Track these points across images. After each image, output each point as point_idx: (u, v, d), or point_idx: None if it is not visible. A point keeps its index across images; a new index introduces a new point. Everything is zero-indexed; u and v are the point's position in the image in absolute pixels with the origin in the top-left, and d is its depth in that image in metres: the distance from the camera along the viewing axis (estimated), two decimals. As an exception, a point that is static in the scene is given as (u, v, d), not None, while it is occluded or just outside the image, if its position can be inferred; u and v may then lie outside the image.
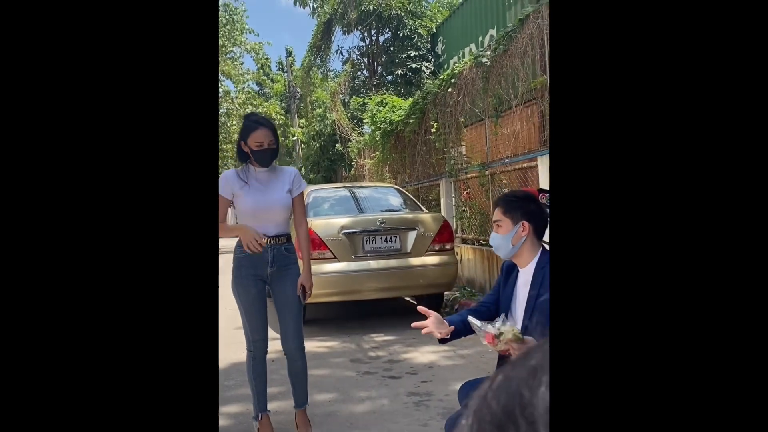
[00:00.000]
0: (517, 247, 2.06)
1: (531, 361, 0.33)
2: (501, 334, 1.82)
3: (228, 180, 2.69)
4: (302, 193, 2.79)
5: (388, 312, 5.81)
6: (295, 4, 13.29)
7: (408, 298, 6.26)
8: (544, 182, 4.45)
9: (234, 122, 16.53)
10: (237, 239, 2.71)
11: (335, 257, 4.99)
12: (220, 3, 15.41)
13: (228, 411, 3.18)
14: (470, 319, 1.98)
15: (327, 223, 5.10)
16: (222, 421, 3.01)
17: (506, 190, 5.35)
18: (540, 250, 2.07)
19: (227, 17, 15.84)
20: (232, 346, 4.56)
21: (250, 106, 16.74)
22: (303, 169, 15.08)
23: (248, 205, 2.65)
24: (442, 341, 2.02)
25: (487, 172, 5.93)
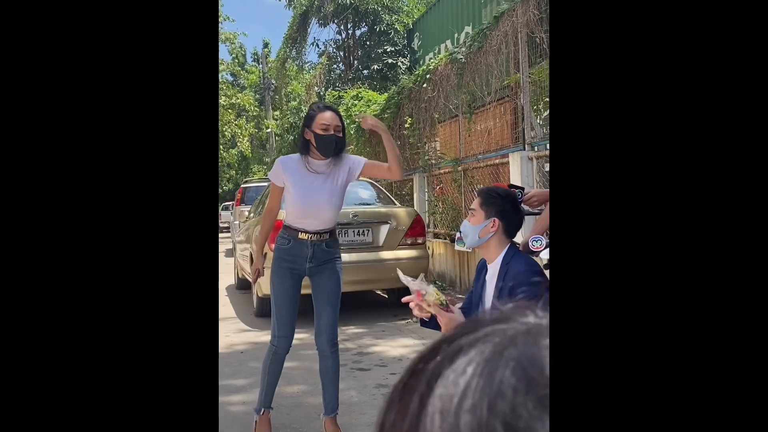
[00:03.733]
0: (484, 240, 2.11)
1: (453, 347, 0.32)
2: (426, 293, 1.90)
3: (281, 165, 2.56)
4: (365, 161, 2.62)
5: (359, 305, 5.82)
6: (271, -6, 13.15)
7: (379, 292, 6.28)
8: (515, 178, 4.51)
9: (207, 112, 16.26)
10: (280, 231, 2.62)
11: (307, 250, 4.98)
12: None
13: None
14: (400, 274, 2.05)
15: (299, 216, 5.10)
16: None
17: (479, 186, 5.41)
18: (507, 247, 2.11)
19: (202, 6, 15.58)
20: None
21: (223, 97, 16.53)
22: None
23: (294, 202, 2.52)
24: (423, 324, 2.07)
25: (459, 168, 5.98)
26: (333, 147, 2.47)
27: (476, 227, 2.12)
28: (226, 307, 6.08)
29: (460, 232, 2.21)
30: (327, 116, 2.48)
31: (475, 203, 2.17)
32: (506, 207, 2.14)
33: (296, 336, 4.49)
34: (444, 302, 1.92)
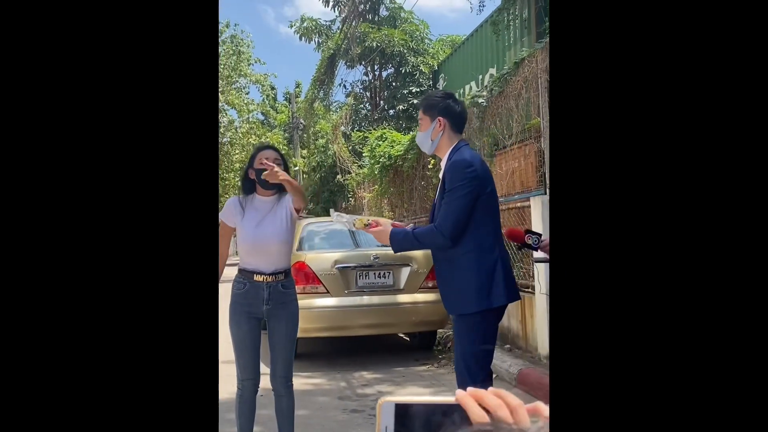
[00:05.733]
0: (437, 142, 2.34)
1: None
2: (355, 224, 2.32)
3: (230, 207, 2.65)
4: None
5: (380, 348, 5.76)
6: (300, 39, 13.56)
7: (401, 335, 6.21)
8: (536, 222, 4.47)
9: (236, 151, 16.68)
10: (235, 275, 2.68)
11: (328, 292, 4.98)
12: (227, 35, 15.69)
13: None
14: (332, 212, 2.40)
15: (321, 257, 5.11)
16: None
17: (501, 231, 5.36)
18: (455, 143, 2.34)
19: (234, 48, 16.10)
20: (222, 378, 4.51)
21: (253, 136, 16.91)
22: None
23: (243, 239, 2.60)
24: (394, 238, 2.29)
25: (482, 210, 5.93)
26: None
27: (426, 132, 2.36)
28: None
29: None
30: (266, 153, 2.62)
31: (420, 113, 2.40)
32: (445, 103, 2.35)
33: (311, 381, 4.46)
34: (368, 222, 2.30)
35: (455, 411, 0.46)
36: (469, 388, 0.48)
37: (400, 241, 2.29)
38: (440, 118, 2.31)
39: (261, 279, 2.58)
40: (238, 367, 2.65)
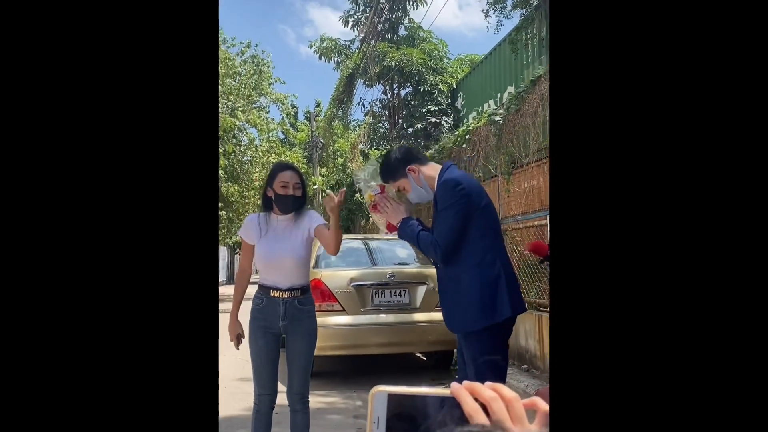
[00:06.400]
0: (426, 185, 2.36)
1: None
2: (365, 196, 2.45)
3: (248, 225, 2.70)
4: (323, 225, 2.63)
5: (396, 367, 5.72)
6: (320, 58, 13.73)
7: (417, 354, 6.16)
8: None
9: (257, 169, 16.86)
10: (255, 291, 2.72)
11: (344, 310, 4.97)
12: (248, 55, 15.96)
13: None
14: (355, 172, 2.44)
15: (337, 275, 5.11)
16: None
17: (519, 248, 5.31)
18: (438, 172, 2.36)
19: (254, 68, 16.35)
20: (237, 395, 4.51)
21: (273, 155, 17.08)
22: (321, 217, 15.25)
23: (260, 256, 2.65)
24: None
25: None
26: (290, 205, 2.63)
27: (414, 190, 2.36)
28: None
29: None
30: (286, 175, 2.63)
31: (394, 187, 2.41)
32: (399, 155, 2.39)
33: (325, 400, 4.42)
34: (375, 195, 2.39)
35: (449, 403, 0.45)
36: (465, 381, 0.47)
37: (407, 231, 2.33)
38: (408, 168, 2.34)
39: (277, 294, 2.62)
40: (256, 382, 2.67)
